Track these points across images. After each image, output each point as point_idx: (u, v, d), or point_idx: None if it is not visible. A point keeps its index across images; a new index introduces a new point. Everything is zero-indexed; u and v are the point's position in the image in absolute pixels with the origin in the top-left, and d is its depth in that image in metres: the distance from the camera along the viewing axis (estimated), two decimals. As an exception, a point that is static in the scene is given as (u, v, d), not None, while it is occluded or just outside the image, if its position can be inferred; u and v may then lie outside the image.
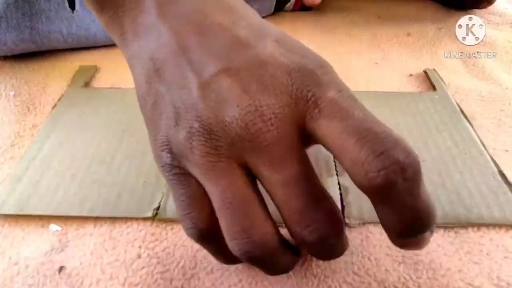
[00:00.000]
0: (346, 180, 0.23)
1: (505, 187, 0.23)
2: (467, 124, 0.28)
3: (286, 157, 0.14)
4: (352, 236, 0.21)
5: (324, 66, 0.16)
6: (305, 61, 0.16)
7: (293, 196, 0.14)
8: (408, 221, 0.14)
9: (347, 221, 0.21)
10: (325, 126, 0.14)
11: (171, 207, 0.22)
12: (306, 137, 0.15)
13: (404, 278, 0.19)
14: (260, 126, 0.14)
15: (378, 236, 0.21)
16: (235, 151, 0.15)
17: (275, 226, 0.15)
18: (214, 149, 0.15)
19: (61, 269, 0.20)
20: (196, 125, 0.15)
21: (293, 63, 0.16)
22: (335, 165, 0.25)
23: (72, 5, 0.36)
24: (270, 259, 0.15)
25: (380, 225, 0.22)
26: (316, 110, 0.15)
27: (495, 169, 0.24)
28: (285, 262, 0.16)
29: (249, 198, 0.15)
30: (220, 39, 0.16)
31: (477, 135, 0.27)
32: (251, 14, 0.18)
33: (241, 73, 0.15)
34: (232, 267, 0.20)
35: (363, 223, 0.21)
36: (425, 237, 0.14)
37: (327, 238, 0.15)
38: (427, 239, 0.14)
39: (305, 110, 0.15)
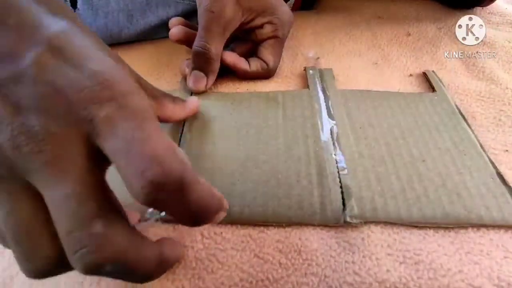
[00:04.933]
0: (348, 179, 0.23)
1: (503, 189, 0.23)
2: (466, 125, 0.28)
3: (60, 176, 0.14)
4: (353, 235, 0.21)
5: (104, 79, 0.15)
6: (79, 77, 0.15)
7: (62, 216, 0.14)
8: (188, 220, 0.16)
9: (348, 220, 0.21)
10: (103, 146, 0.15)
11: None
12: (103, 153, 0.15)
13: (405, 278, 0.19)
14: (32, 147, 0.14)
15: (379, 235, 0.21)
16: (15, 173, 0.14)
17: (60, 247, 0.14)
18: None
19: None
20: None
21: (66, 79, 0.14)
22: (336, 164, 0.25)
23: (73, 4, 0.36)
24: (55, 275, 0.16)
25: (381, 225, 0.22)
26: (95, 130, 0.14)
27: (494, 171, 0.24)
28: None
29: (32, 223, 0.14)
30: None
31: (476, 137, 0.27)
32: (33, 7, 0.16)
33: (8, 88, 0.14)
34: (233, 267, 0.20)
35: (364, 222, 0.22)
36: (216, 217, 0.17)
37: (96, 265, 0.14)
38: (220, 217, 0.17)
39: (86, 130, 0.15)
